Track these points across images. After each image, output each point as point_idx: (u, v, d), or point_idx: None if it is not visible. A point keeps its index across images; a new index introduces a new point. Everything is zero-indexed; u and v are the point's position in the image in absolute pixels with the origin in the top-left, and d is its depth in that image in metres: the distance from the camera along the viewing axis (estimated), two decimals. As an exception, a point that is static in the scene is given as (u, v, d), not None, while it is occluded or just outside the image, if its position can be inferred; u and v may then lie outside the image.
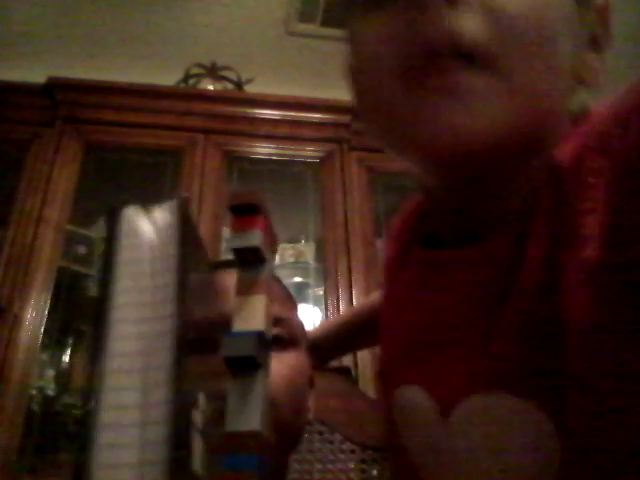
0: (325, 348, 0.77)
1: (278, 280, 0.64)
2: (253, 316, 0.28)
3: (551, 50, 0.36)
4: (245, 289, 0.28)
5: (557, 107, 0.39)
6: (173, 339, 0.26)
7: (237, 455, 0.24)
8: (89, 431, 0.23)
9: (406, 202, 0.59)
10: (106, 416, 0.24)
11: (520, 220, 0.39)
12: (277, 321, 0.56)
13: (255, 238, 0.29)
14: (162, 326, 0.26)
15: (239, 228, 0.29)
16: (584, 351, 0.33)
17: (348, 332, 0.78)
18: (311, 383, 0.62)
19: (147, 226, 0.29)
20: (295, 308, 0.63)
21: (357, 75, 0.43)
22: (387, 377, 0.54)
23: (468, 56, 0.34)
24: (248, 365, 0.26)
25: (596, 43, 0.41)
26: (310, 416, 0.60)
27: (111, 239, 0.28)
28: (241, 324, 0.27)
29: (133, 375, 0.25)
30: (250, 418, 0.25)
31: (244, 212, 0.29)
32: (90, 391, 0.24)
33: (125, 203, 0.30)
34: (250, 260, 0.29)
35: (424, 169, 0.42)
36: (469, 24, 0.34)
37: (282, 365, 0.54)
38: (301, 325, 0.63)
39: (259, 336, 0.27)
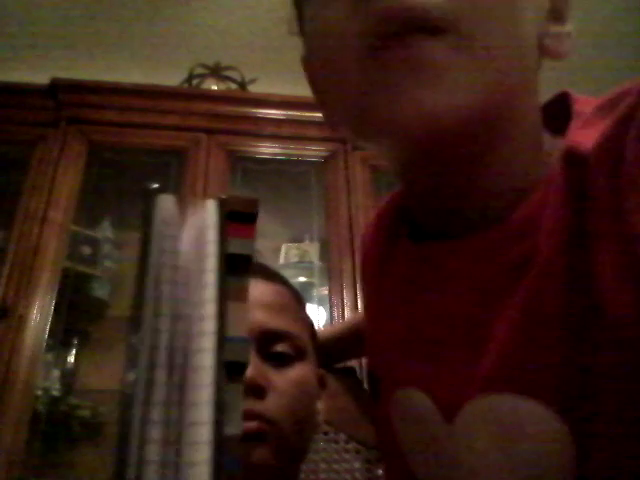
0: (332, 351, 0.76)
1: (285, 282, 0.63)
2: (241, 323, 0.28)
3: (515, 16, 0.35)
4: (231, 295, 0.28)
5: (525, 79, 0.37)
6: (216, 341, 0.26)
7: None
8: (128, 426, 0.23)
9: (382, 199, 0.57)
10: (140, 411, 0.24)
11: (519, 210, 0.38)
12: (282, 336, 0.55)
13: (250, 247, 0.29)
14: (201, 327, 0.26)
15: (234, 234, 0.29)
16: (617, 350, 0.32)
17: (357, 336, 0.77)
18: (322, 384, 0.62)
19: (183, 219, 0.30)
20: (303, 310, 0.63)
21: (313, 61, 0.41)
22: (382, 378, 0.53)
23: (430, 27, 0.32)
24: (239, 370, 0.26)
25: (557, 13, 0.40)
26: (320, 418, 0.60)
27: (147, 224, 0.28)
28: (232, 330, 0.28)
29: (166, 371, 0.25)
30: (234, 422, 0.25)
31: (241, 219, 0.29)
32: (128, 384, 0.24)
33: (158, 190, 0.30)
34: (239, 267, 0.29)
35: (394, 153, 0.40)
36: None
37: (286, 382, 0.53)
38: (309, 327, 0.62)
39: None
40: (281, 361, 0.55)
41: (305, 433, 0.56)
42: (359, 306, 1.56)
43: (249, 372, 0.50)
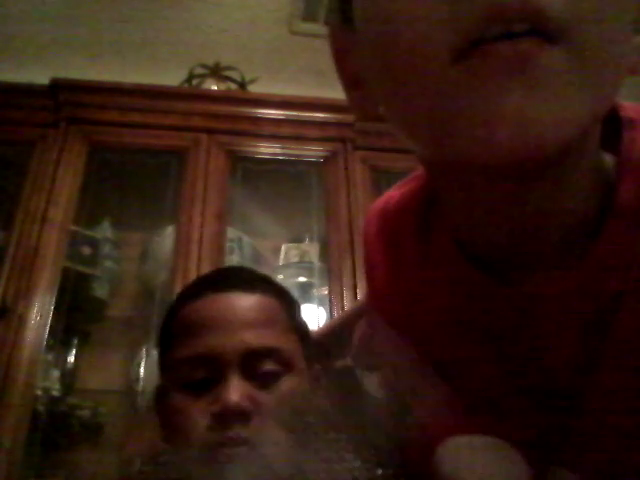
0: (330, 345, 0.76)
1: (268, 287, 0.61)
2: None
3: (626, 25, 0.30)
4: None
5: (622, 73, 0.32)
6: None
7: None
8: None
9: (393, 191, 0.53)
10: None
11: (602, 244, 0.35)
12: (268, 354, 0.54)
13: None
14: None
15: None
16: None
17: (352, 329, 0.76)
18: (317, 380, 0.61)
19: None
20: (291, 314, 0.61)
21: (369, 42, 0.34)
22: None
23: (547, 31, 0.27)
24: None
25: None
26: (319, 414, 0.60)
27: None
28: None
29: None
30: None
31: None
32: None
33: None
34: None
35: (465, 168, 0.34)
36: None
37: (274, 401, 0.53)
38: (299, 333, 0.60)
39: None
40: (268, 379, 0.54)
41: (299, 443, 0.56)
42: (359, 306, 1.56)
43: (233, 396, 0.50)
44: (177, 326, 0.59)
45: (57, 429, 1.49)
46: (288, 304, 0.62)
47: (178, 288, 1.38)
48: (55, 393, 1.55)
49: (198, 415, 0.52)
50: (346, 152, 1.81)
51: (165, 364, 0.60)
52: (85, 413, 1.54)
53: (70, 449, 1.55)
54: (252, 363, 0.54)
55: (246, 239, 1.82)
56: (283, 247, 1.94)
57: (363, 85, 0.37)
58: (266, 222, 1.90)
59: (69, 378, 1.65)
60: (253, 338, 0.54)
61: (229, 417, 0.50)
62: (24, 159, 1.66)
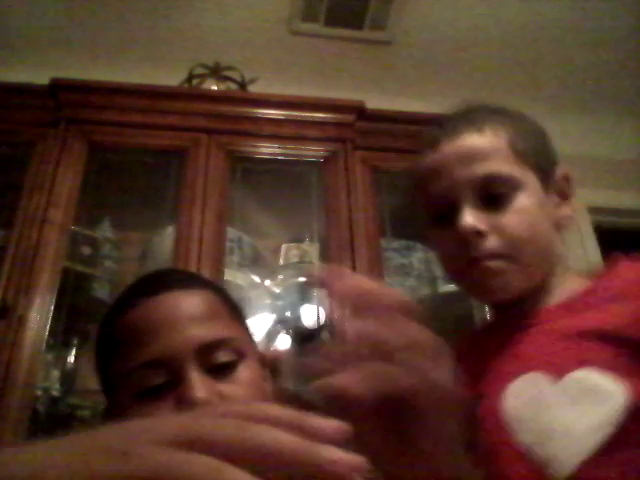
0: None
1: (204, 283, 0.62)
2: None
3: (544, 238, 0.68)
4: None
5: (552, 253, 0.70)
6: None
7: None
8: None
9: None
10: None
11: (557, 298, 0.70)
12: (221, 345, 0.55)
13: None
14: None
15: None
16: None
17: None
18: (265, 364, 0.61)
19: None
20: (229, 304, 0.62)
21: (439, 252, 0.75)
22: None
23: (496, 256, 0.66)
24: None
25: (564, 196, 0.72)
26: (271, 398, 0.60)
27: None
28: None
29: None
30: None
31: None
32: None
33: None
34: None
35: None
36: (493, 244, 0.66)
37: (237, 391, 0.53)
38: (241, 319, 0.62)
39: None
40: (225, 370, 0.54)
41: None
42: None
43: (199, 392, 0.50)
44: (119, 337, 0.58)
45: (57, 429, 1.49)
46: (224, 295, 0.63)
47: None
48: (55, 393, 1.55)
49: None
50: (346, 152, 1.81)
51: (110, 378, 0.59)
52: (85, 413, 1.54)
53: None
54: (207, 356, 0.54)
55: (246, 239, 1.82)
56: (283, 247, 1.94)
57: None
58: (266, 222, 1.90)
59: (69, 378, 1.65)
60: (204, 331, 0.55)
61: None
62: (24, 159, 1.66)
